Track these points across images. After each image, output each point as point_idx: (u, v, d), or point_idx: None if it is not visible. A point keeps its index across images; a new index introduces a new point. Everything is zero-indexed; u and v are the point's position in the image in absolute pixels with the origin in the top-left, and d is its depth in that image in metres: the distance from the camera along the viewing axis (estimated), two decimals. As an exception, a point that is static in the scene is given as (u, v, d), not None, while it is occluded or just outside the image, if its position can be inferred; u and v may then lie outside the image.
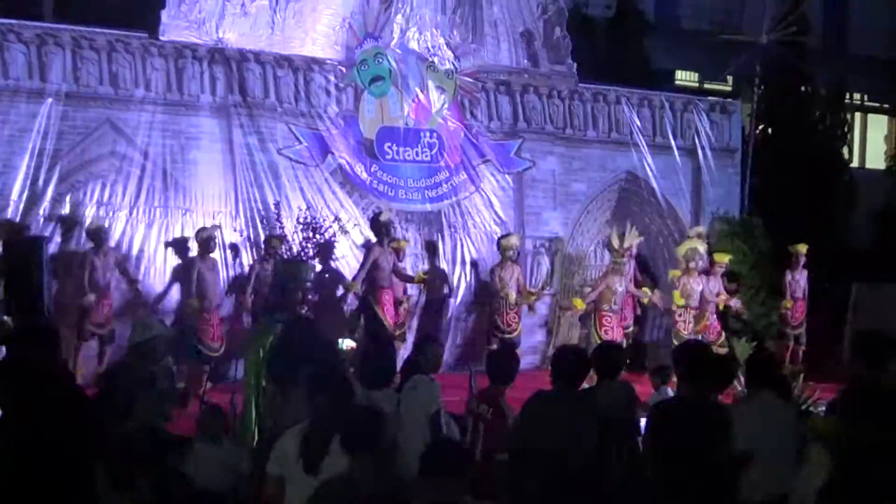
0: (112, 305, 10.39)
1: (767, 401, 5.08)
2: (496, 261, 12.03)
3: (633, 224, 12.14)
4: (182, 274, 10.66)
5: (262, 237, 11.21)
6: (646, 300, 11.52)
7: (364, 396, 5.12)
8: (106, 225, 10.33)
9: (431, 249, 12.44)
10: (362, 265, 11.01)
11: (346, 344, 9.39)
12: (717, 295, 11.51)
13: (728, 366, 5.59)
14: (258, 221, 11.35)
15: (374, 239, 11.27)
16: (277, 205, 11.33)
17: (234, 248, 11.21)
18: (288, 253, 11.05)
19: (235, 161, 11.26)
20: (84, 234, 10.29)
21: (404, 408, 5.39)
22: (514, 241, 11.60)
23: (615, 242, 11.20)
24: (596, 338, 10.69)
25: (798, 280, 12.44)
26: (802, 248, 12.35)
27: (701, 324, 11.31)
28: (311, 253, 11.22)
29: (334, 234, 11.51)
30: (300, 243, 11.24)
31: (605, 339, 10.49)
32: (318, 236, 11.37)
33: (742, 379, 8.41)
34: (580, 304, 11.20)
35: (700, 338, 10.88)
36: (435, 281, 12.28)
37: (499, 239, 11.65)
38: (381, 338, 8.76)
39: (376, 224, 11.15)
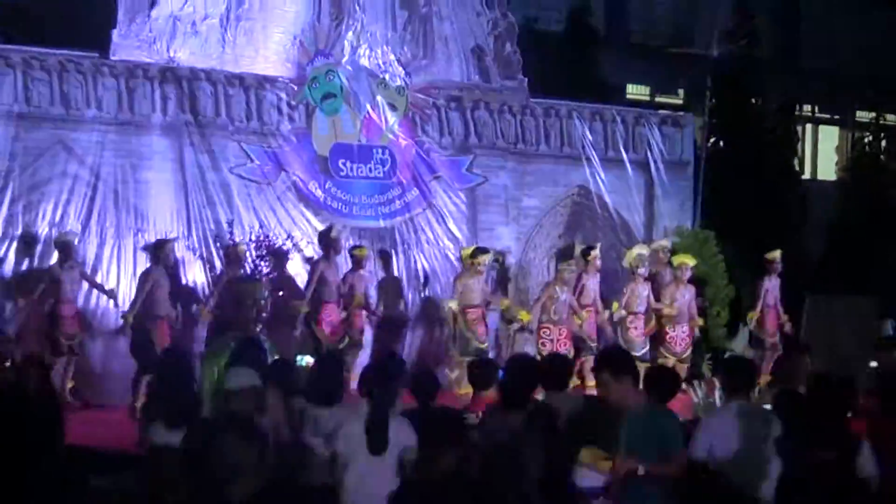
0: (80, 318, 10.87)
1: (745, 407, 5.40)
2: (448, 277, 12.62)
3: (584, 238, 12.94)
4: (138, 283, 11.06)
5: (218, 255, 11.71)
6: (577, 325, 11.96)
7: (311, 414, 5.42)
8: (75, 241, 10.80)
9: (385, 263, 12.85)
10: (308, 282, 11.53)
11: (306, 360, 9.71)
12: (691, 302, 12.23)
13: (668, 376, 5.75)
14: (211, 241, 11.82)
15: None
16: (231, 223, 11.85)
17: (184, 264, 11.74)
18: (242, 271, 11.59)
19: (187, 180, 11.71)
20: (53, 247, 10.70)
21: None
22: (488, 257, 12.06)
23: (577, 251, 11.96)
24: (536, 349, 11.20)
25: (773, 288, 12.79)
26: (777, 255, 12.75)
27: (647, 328, 12.08)
28: (264, 271, 11.75)
29: (288, 252, 12.04)
30: (253, 261, 11.76)
31: (543, 351, 10.96)
32: (271, 255, 11.89)
33: (699, 391, 9.46)
34: (525, 316, 11.70)
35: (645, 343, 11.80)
36: (389, 296, 12.74)
37: (475, 252, 11.86)
38: (322, 354, 9.17)
39: (325, 239, 11.72)
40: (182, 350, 8.86)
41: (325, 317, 11.65)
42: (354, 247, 12.04)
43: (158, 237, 11.43)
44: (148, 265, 11.10)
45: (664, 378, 5.57)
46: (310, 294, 11.49)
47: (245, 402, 5.11)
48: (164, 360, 7.30)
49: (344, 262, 12.20)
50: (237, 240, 11.71)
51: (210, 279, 11.73)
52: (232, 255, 11.45)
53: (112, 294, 10.98)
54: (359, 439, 5.09)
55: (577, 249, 12.35)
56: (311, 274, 11.66)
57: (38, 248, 10.82)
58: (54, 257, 10.80)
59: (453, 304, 11.66)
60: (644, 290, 12.19)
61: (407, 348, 12.67)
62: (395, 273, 12.92)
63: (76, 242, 10.89)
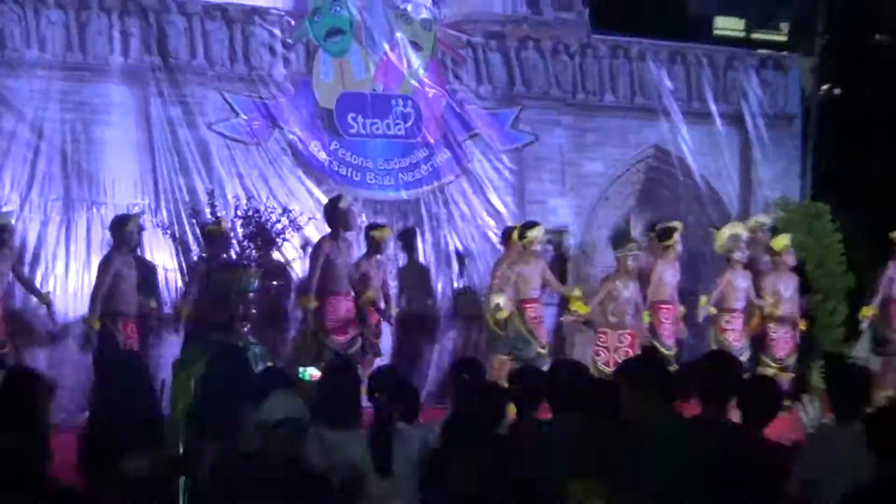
0: (10, 321, 10.30)
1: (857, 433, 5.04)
2: (489, 262, 12.13)
3: (661, 213, 12.38)
4: (97, 273, 10.48)
5: (193, 234, 11.28)
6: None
7: (319, 439, 5.17)
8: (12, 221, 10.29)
9: (408, 246, 12.45)
10: (311, 269, 11.05)
11: (309, 373, 9.07)
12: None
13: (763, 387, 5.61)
14: (184, 216, 11.36)
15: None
16: (210, 194, 11.26)
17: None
18: (224, 256, 11.04)
19: (154, 140, 11.31)
20: None
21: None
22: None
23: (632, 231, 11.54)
24: (590, 358, 10.97)
25: None
26: None
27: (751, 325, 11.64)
28: (253, 256, 11.19)
29: (283, 231, 11.40)
30: (240, 243, 11.19)
31: (598, 362, 10.85)
32: (262, 235, 11.28)
33: (809, 407, 9.50)
34: (583, 308, 11.17)
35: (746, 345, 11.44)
36: (413, 287, 12.31)
37: (522, 230, 11.46)
38: (330, 363, 8.54)
39: (332, 212, 11.14)
40: (134, 357, 8.11)
41: (331, 314, 11.02)
42: (373, 225, 11.54)
43: (118, 212, 10.86)
44: (107, 250, 10.56)
45: (762, 392, 5.44)
46: (314, 285, 10.96)
47: (289, 443, 4.72)
48: (112, 367, 6.93)
49: (356, 244, 11.73)
50: (219, 215, 11.19)
51: (183, 266, 11.30)
52: (212, 234, 11.00)
53: (46, 299, 10.38)
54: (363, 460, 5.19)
55: (637, 229, 12.05)
56: (313, 259, 11.10)
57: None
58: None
59: (500, 299, 11.03)
60: (743, 280, 11.67)
61: (436, 354, 12.30)
62: (421, 259, 12.57)
63: (12, 222, 10.31)
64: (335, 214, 11.15)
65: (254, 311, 10.82)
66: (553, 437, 5.34)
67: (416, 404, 6.13)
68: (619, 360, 10.23)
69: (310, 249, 11.42)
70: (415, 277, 12.43)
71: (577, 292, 11.41)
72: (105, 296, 10.24)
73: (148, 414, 5.59)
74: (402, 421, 5.56)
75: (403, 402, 5.63)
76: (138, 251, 10.83)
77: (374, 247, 11.43)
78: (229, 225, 11.19)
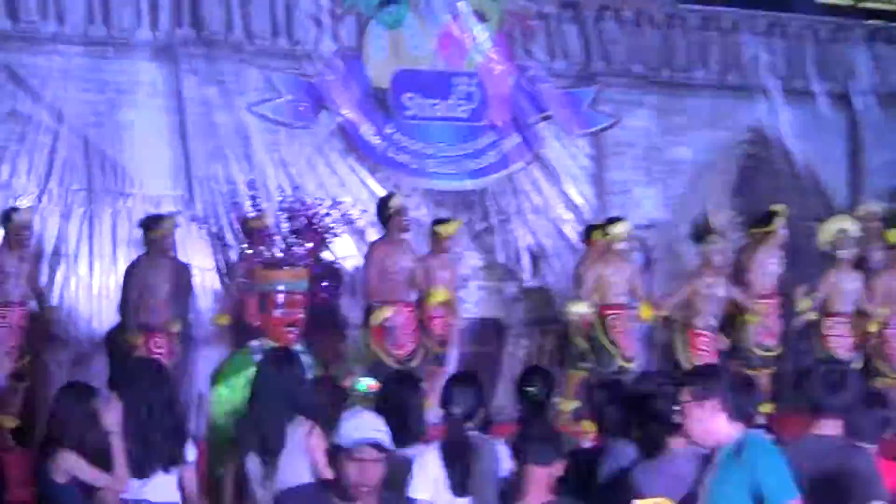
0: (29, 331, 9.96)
1: None
2: (564, 261, 11.99)
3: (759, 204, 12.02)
4: (123, 281, 10.19)
5: (232, 229, 11.12)
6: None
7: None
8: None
9: (474, 244, 12.33)
10: (366, 278, 10.68)
11: (365, 384, 8.89)
12: None
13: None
14: (221, 209, 11.14)
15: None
16: (251, 184, 11.07)
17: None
18: (267, 253, 10.51)
19: (187, 123, 11.13)
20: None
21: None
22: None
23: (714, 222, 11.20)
24: (685, 356, 10.65)
25: None
26: None
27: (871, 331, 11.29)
28: (300, 254, 10.71)
29: (333, 226, 11.23)
30: (284, 239, 10.81)
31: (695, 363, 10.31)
32: (309, 230, 11.04)
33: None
34: (648, 312, 10.81)
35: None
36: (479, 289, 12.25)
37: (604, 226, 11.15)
38: (392, 377, 8.31)
39: (383, 211, 10.76)
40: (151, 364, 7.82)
41: (384, 325, 10.53)
42: (439, 220, 11.17)
43: (147, 204, 10.76)
44: (136, 250, 10.23)
45: (877, 407, 5.49)
46: (372, 288, 10.57)
47: (373, 470, 4.48)
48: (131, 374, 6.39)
49: (414, 241, 11.31)
50: (261, 208, 10.94)
51: (221, 265, 11.09)
52: (253, 229, 10.62)
53: (48, 314, 10.13)
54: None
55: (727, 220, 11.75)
56: (367, 260, 10.72)
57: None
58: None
59: (580, 307, 10.64)
60: (851, 281, 11.24)
61: (505, 364, 12.07)
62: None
63: (30, 219, 9.99)
64: (388, 214, 10.71)
65: (300, 315, 10.33)
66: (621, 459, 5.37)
67: (490, 417, 6.19)
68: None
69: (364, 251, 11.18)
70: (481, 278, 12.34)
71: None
72: (129, 311, 9.96)
73: (171, 426, 5.73)
74: (478, 434, 5.60)
75: (480, 414, 5.64)
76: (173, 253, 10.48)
77: (440, 244, 11.00)
78: (272, 220, 10.88)
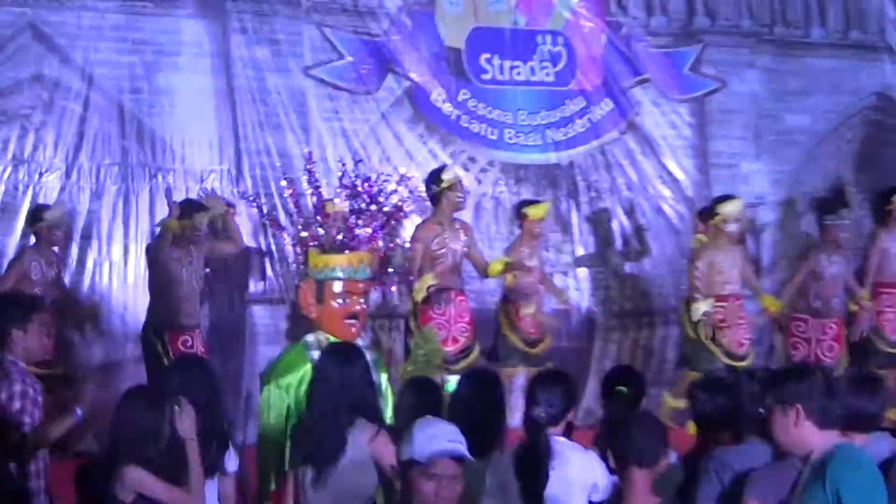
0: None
1: None
2: (665, 243, 11.67)
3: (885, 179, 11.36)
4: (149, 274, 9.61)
5: (284, 208, 10.62)
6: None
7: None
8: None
9: (560, 226, 11.77)
10: (411, 264, 10.10)
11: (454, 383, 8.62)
12: None
13: None
14: (273, 185, 10.66)
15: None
16: (308, 157, 10.66)
17: None
18: (324, 238, 10.42)
19: (235, 88, 10.70)
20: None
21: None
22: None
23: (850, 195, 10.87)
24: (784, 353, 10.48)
25: None
26: None
27: None
28: (362, 236, 10.71)
29: (402, 205, 10.92)
30: (345, 220, 10.69)
31: (795, 356, 10.22)
32: (373, 209, 10.87)
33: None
34: (772, 303, 10.30)
35: None
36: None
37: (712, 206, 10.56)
38: (468, 380, 7.81)
39: (434, 185, 10.08)
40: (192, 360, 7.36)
41: (438, 317, 9.93)
42: (526, 202, 10.62)
43: (189, 181, 10.29)
44: (165, 250, 9.40)
45: None
46: (428, 274, 9.84)
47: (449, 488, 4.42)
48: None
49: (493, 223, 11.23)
50: (318, 185, 10.66)
51: (273, 249, 10.67)
52: (328, 214, 10.41)
53: (91, 313, 9.81)
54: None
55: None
56: (413, 243, 10.07)
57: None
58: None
59: (706, 305, 10.00)
60: None
61: (594, 361, 11.60)
62: (577, 237, 11.89)
63: (62, 217, 9.56)
64: (439, 190, 10.00)
65: (362, 305, 9.70)
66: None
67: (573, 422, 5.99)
68: (823, 355, 10.35)
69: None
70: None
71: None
72: (152, 303, 9.43)
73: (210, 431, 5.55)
74: (564, 440, 5.51)
75: (566, 417, 5.51)
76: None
77: (531, 230, 10.37)
78: (331, 195, 10.61)
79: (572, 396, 5.57)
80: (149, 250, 9.61)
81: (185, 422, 5.30)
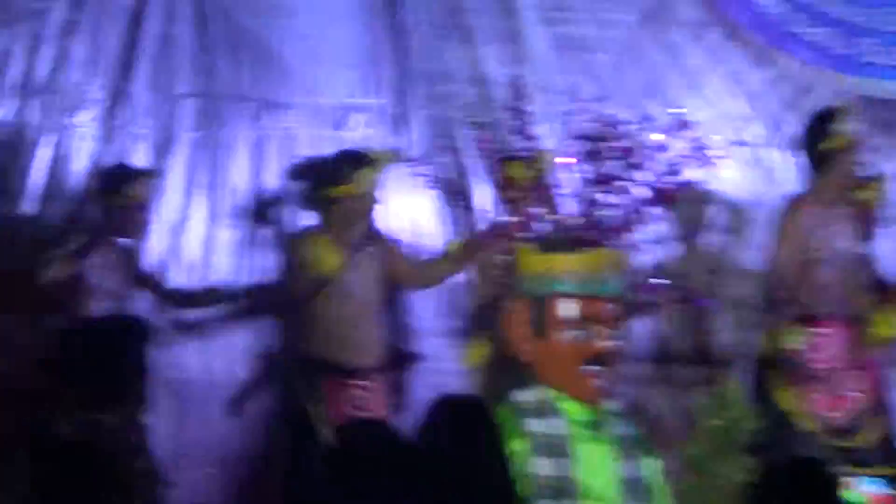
0: None
1: None
2: None
3: None
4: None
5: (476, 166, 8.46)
6: None
7: None
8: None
9: None
10: (774, 261, 7.78)
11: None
12: None
13: None
14: (457, 131, 8.09)
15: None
16: (516, 87, 8.07)
17: None
18: (544, 222, 7.44)
19: None
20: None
21: None
22: None
23: None
24: None
25: None
26: None
27: None
28: (609, 222, 8.16)
29: (675, 168, 8.06)
30: (576, 195, 7.97)
31: None
32: (625, 175, 7.92)
33: None
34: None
35: None
36: None
37: None
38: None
39: (817, 141, 8.02)
40: None
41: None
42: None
43: (322, 127, 7.84)
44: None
45: None
46: (787, 287, 7.86)
47: None
48: None
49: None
50: (533, 134, 7.44)
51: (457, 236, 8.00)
52: (514, 180, 7.67)
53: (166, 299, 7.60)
54: None
55: None
56: (780, 233, 8.02)
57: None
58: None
59: None
60: None
61: None
62: None
63: (146, 193, 7.35)
64: (826, 148, 7.40)
65: (613, 343, 7.45)
66: None
67: None
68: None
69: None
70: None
71: None
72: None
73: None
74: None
75: None
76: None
77: None
78: (550, 161, 7.70)
79: None
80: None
81: None
